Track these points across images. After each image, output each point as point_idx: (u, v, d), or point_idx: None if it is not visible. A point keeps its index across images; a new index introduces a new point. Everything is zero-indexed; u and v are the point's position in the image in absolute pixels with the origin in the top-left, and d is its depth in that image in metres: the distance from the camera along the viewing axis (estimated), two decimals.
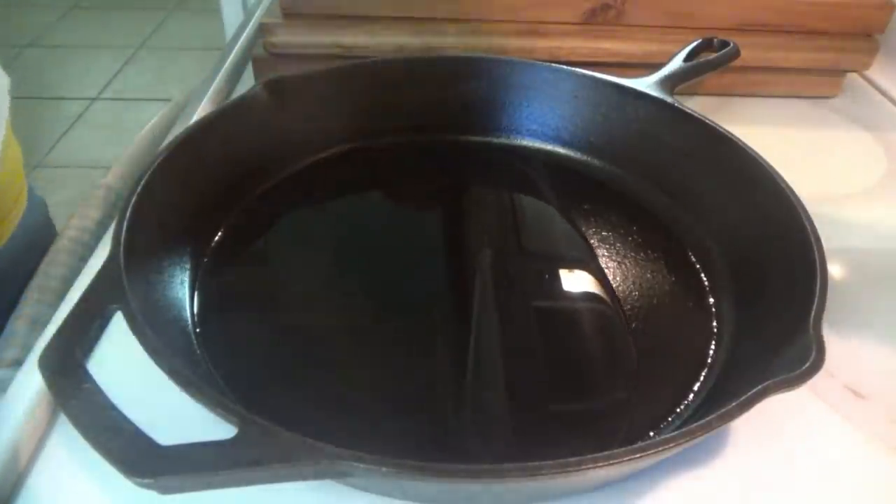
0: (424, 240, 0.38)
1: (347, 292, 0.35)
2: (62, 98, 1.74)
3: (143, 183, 0.30)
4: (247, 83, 0.52)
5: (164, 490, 0.20)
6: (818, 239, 0.29)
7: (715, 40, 0.45)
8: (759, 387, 0.23)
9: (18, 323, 0.33)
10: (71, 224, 0.39)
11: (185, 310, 0.31)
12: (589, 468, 0.21)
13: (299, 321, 0.33)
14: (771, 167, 0.33)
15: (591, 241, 0.38)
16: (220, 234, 0.35)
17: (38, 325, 0.33)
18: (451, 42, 0.48)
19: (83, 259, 0.36)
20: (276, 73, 0.39)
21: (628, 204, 0.39)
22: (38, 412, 0.28)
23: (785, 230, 0.30)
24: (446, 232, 0.39)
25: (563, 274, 0.35)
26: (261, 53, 0.50)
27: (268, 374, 0.30)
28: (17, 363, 0.31)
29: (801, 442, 0.28)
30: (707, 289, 0.33)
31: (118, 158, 0.45)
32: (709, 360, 0.30)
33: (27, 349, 0.31)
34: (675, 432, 0.22)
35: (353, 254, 0.37)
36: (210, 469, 0.20)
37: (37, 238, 0.41)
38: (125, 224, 0.28)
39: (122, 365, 0.25)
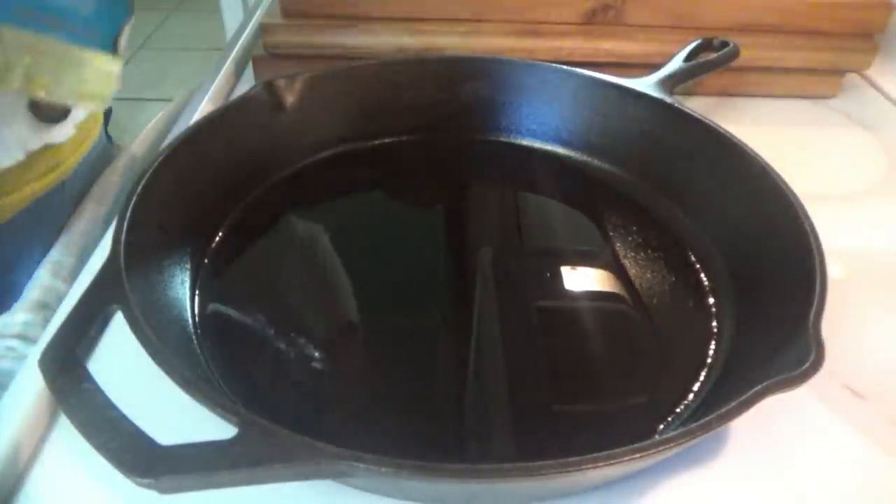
0: (425, 239, 0.38)
1: (348, 292, 0.35)
2: None
3: (143, 183, 0.30)
4: (247, 83, 0.52)
5: (164, 490, 0.20)
6: (818, 239, 0.29)
7: (715, 40, 0.45)
8: (759, 387, 0.23)
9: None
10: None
11: (186, 310, 0.31)
12: (589, 468, 0.21)
13: (299, 321, 0.33)
14: (770, 167, 0.33)
15: (591, 241, 0.38)
16: (220, 234, 0.35)
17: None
18: (451, 42, 0.49)
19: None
20: (276, 73, 0.39)
21: (628, 204, 0.39)
22: (38, 412, 0.28)
23: (784, 230, 0.30)
24: (446, 231, 0.39)
25: (563, 274, 0.35)
26: (261, 53, 0.50)
27: (268, 374, 0.30)
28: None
29: (801, 442, 0.28)
30: (707, 289, 0.34)
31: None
32: (709, 360, 0.30)
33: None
34: (675, 432, 0.22)
35: (354, 253, 0.37)
36: (210, 469, 0.20)
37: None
38: (125, 224, 0.28)
39: (122, 365, 0.25)
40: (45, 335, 0.31)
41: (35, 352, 0.30)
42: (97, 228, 0.40)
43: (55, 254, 0.38)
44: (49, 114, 0.37)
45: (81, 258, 0.38)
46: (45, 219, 0.40)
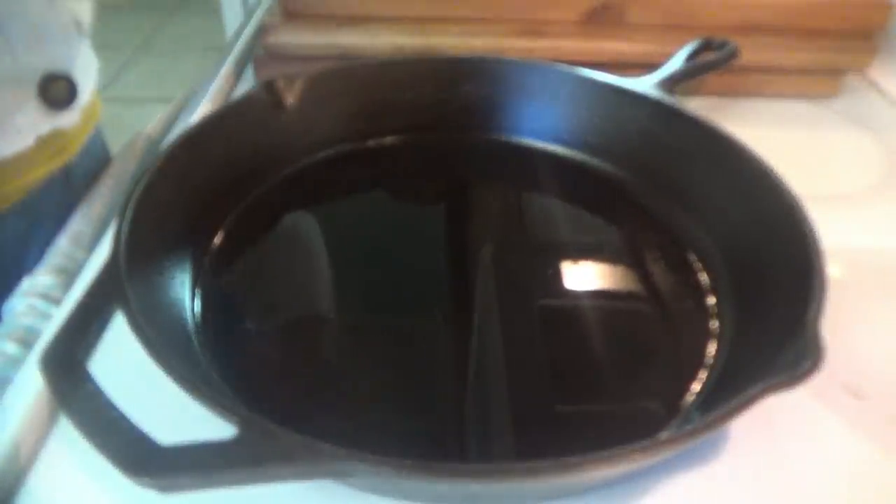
0: (425, 239, 0.38)
1: (348, 292, 0.35)
2: None
3: (143, 183, 0.30)
4: (247, 83, 0.52)
5: (164, 489, 0.20)
6: (818, 239, 0.29)
7: (715, 41, 0.45)
8: (759, 387, 0.23)
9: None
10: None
11: (186, 310, 0.31)
12: (589, 468, 0.21)
13: (300, 321, 0.33)
14: (770, 167, 0.33)
15: (591, 241, 0.38)
16: (220, 234, 0.35)
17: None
18: (451, 42, 0.49)
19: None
20: (276, 73, 0.39)
21: (628, 204, 0.39)
22: (38, 412, 0.28)
23: (784, 230, 0.30)
24: (446, 231, 0.39)
25: (564, 274, 0.35)
26: (261, 53, 0.50)
27: (268, 374, 0.30)
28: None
29: (800, 442, 0.28)
30: (707, 289, 0.33)
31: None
32: (709, 361, 0.30)
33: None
34: (675, 432, 0.22)
35: (354, 253, 0.37)
36: (210, 469, 0.20)
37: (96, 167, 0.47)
38: (126, 224, 0.28)
39: (122, 365, 0.25)
40: (45, 335, 0.32)
41: (35, 352, 0.31)
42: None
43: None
44: (56, 99, 0.40)
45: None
46: (48, 213, 0.42)
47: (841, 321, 0.27)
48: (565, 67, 0.41)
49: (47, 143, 0.41)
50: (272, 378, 0.30)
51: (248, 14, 0.62)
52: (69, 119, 0.42)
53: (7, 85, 0.37)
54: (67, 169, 0.44)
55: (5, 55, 0.36)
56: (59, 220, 0.41)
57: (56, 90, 0.40)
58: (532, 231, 0.39)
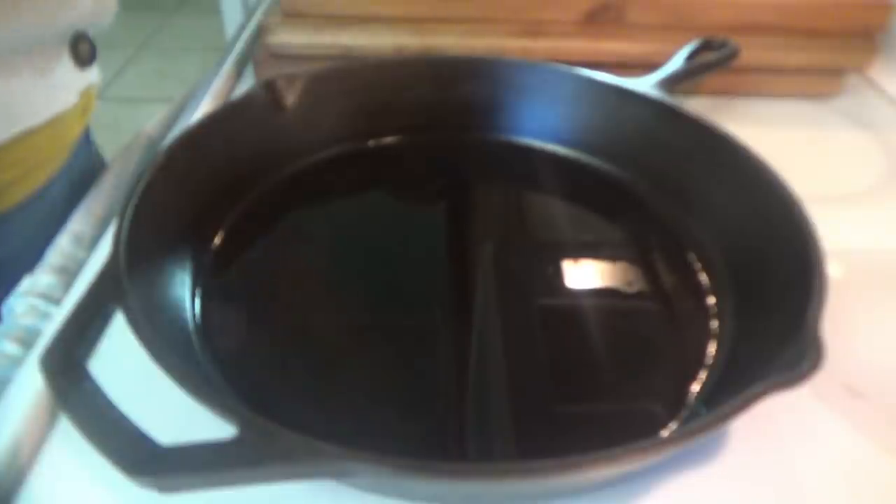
0: (425, 239, 0.38)
1: (348, 292, 0.35)
2: None
3: (143, 183, 0.30)
4: (247, 83, 0.52)
5: (165, 489, 0.20)
6: (817, 239, 0.29)
7: (715, 40, 0.45)
8: (759, 387, 0.23)
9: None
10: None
11: (186, 310, 0.31)
12: (589, 468, 0.21)
13: (300, 321, 0.33)
14: (770, 167, 0.33)
15: (591, 241, 0.38)
16: (220, 233, 0.35)
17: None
18: (451, 42, 0.49)
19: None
20: (276, 73, 0.39)
21: (628, 204, 0.39)
22: (38, 412, 0.28)
23: (784, 230, 0.30)
24: (446, 231, 0.39)
25: (563, 274, 0.35)
26: (261, 53, 0.50)
27: (268, 374, 0.30)
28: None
29: (800, 442, 0.28)
30: (707, 289, 0.33)
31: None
32: (709, 361, 0.30)
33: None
34: (675, 432, 0.22)
35: (354, 253, 0.37)
36: (210, 469, 0.20)
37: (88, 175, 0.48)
38: (126, 223, 0.28)
39: (122, 365, 0.25)
40: (45, 335, 0.32)
41: (35, 352, 0.31)
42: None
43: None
44: (83, 57, 0.43)
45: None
46: (79, 176, 0.46)
47: (841, 321, 0.27)
48: (565, 67, 0.41)
49: (82, 100, 0.44)
50: (272, 378, 0.30)
51: (248, 14, 0.62)
52: (95, 74, 0.45)
53: (47, 40, 0.40)
54: (88, 129, 0.47)
55: (48, 9, 0.38)
56: (87, 182, 0.43)
57: (83, 49, 0.42)
58: (532, 231, 0.39)
